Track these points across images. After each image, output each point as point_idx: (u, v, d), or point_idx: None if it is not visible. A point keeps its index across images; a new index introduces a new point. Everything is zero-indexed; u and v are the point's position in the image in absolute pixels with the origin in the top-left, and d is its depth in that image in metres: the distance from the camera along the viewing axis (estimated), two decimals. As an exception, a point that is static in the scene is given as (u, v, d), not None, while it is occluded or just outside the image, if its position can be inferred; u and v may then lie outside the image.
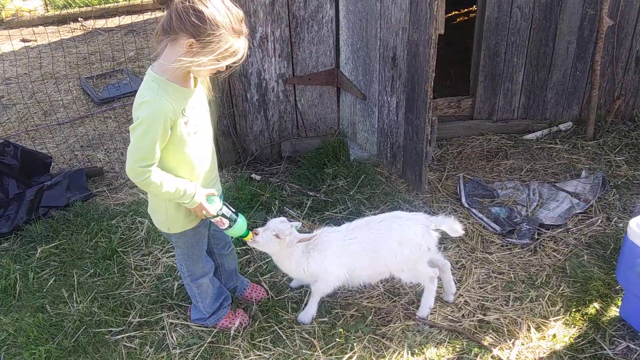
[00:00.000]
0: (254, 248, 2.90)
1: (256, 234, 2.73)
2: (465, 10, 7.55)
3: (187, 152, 2.38)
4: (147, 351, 2.87)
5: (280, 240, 2.76)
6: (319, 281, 2.94)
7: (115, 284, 3.29)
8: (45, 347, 2.88)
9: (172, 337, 2.95)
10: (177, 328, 2.99)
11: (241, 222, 2.64)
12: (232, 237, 2.87)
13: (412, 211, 3.13)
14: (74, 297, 3.21)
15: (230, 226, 2.59)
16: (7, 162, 4.06)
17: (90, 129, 5.14)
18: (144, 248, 3.58)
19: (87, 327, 2.99)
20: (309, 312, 3.02)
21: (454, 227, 2.89)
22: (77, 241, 3.62)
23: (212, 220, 2.58)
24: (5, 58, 7.19)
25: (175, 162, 2.37)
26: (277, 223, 2.79)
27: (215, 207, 2.53)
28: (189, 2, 2.09)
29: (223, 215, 2.56)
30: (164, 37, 2.18)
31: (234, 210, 2.63)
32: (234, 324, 2.96)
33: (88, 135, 5.05)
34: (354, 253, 2.89)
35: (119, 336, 2.96)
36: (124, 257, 3.50)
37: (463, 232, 2.96)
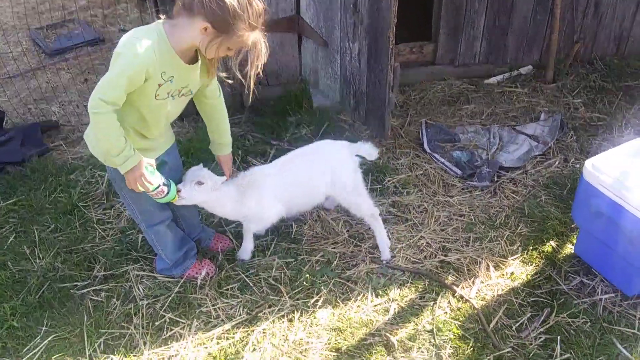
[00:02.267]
0: (184, 206, 2.84)
1: (179, 191, 2.65)
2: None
3: (145, 109, 2.37)
4: (114, 303, 2.87)
5: (203, 186, 2.71)
6: (254, 219, 2.98)
7: (77, 239, 3.24)
8: (10, 303, 2.86)
9: (138, 288, 2.95)
10: (144, 280, 2.99)
11: (172, 186, 2.59)
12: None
13: (336, 140, 3.22)
14: (36, 253, 3.16)
15: (167, 192, 2.55)
16: (-44, 118, 3.90)
17: (43, 82, 4.95)
18: (105, 202, 3.52)
19: (52, 283, 2.96)
20: (247, 248, 3.09)
21: (370, 152, 3.10)
22: (36, 197, 3.54)
23: (151, 192, 2.48)
24: (-52, 8, 6.80)
25: (129, 109, 2.33)
26: (195, 171, 2.74)
27: (157, 178, 2.46)
28: None
29: (164, 184, 2.51)
30: (182, 10, 2.22)
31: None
32: (201, 273, 2.98)
33: (41, 88, 4.86)
34: (290, 184, 2.96)
35: (85, 290, 2.95)
36: (85, 211, 3.44)
37: (378, 155, 3.16)
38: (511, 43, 4.69)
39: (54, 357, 2.63)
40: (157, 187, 2.47)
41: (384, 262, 3.10)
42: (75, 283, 2.98)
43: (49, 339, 2.70)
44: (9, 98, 4.71)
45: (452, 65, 4.72)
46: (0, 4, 6.74)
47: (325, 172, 2.99)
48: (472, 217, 3.43)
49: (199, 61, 2.42)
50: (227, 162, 2.90)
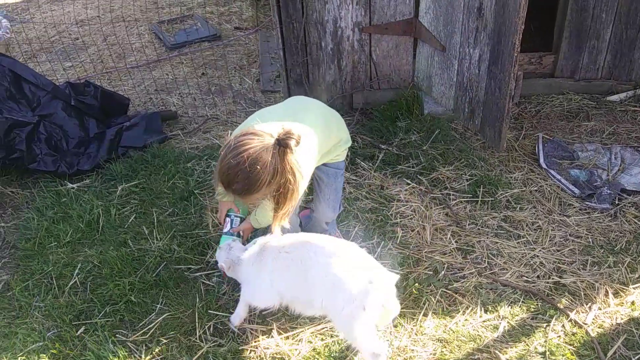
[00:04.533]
0: None
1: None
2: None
3: None
4: (224, 289, 2.96)
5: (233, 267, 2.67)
6: (247, 292, 2.70)
7: (192, 224, 3.38)
8: (129, 279, 3.01)
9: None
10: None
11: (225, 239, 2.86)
12: None
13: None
14: (154, 234, 3.32)
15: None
16: (87, 102, 4.17)
17: (164, 73, 5.22)
18: (219, 191, 3.65)
19: (168, 264, 3.10)
20: (239, 314, 2.75)
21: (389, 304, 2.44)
22: (155, 181, 3.72)
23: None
24: (78, 0, 7.32)
25: None
26: (221, 258, 2.71)
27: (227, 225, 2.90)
28: None
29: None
30: None
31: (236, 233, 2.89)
32: None
33: (162, 79, 5.12)
34: (282, 269, 2.50)
35: (198, 273, 3.07)
36: (201, 198, 3.58)
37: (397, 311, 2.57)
38: (638, 58, 4.42)
39: (167, 334, 2.74)
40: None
41: None
42: (189, 266, 3.11)
43: (164, 316, 2.82)
44: (133, 86, 5.00)
45: (573, 79, 4.51)
46: (125, -2, 7.16)
47: (326, 286, 2.39)
48: (590, 240, 3.26)
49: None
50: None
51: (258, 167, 2.12)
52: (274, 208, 2.37)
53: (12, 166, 3.85)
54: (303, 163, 2.31)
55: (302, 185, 2.32)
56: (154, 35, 6.14)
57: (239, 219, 2.90)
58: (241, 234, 2.88)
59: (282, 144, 2.16)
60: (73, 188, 3.74)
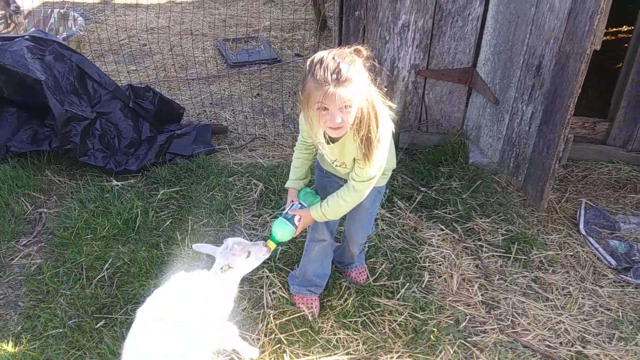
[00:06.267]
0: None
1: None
2: (614, 29, 7.09)
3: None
4: (245, 306, 2.99)
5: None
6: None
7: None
8: (155, 281, 3.09)
9: (268, 297, 3.05)
10: (276, 291, 3.10)
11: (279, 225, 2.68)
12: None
13: None
14: (186, 241, 3.40)
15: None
16: (145, 105, 4.35)
17: (221, 89, 5.38)
18: (255, 209, 3.72)
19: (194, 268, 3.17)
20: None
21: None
22: (196, 190, 3.83)
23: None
24: (151, 9, 7.66)
25: None
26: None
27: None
28: None
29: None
30: None
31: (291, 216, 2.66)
32: (304, 309, 3.00)
33: (218, 94, 5.29)
34: None
35: (221, 286, 3.11)
36: (236, 213, 3.65)
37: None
38: (697, 138, 4.31)
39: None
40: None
41: None
42: (214, 278, 3.16)
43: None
44: (190, 97, 5.17)
45: (625, 149, 4.42)
46: (196, 12, 7.46)
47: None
48: (620, 314, 3.15)
49: (341, 141, 2.38)
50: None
51: (356, 63, 2.14)
52: (360, 151, 2.32)
53: (64, 156, 4.04)
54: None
55: (384, 135, 2.30)
56: (217, 51, 6.36)
57: (300, 205, 2.71)
58: (296, 223, 2.64)
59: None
60: (117, 185, 3.87)
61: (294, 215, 2.63)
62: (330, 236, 2.89)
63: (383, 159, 2.40)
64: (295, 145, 2.76)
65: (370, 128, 2.24)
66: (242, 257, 2.53)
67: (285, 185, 2.81)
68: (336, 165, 2.55)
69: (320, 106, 2.15)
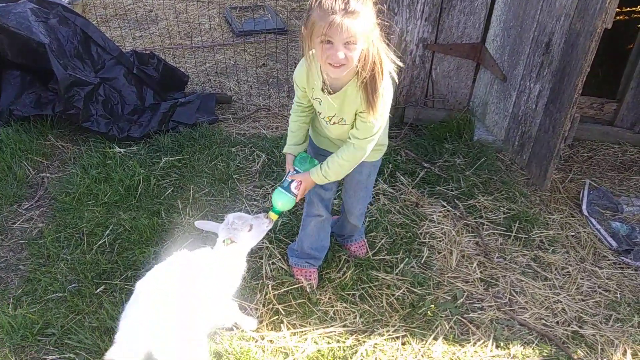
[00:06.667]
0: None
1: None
2: (628, 9, 6.95)
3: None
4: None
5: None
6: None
7: (225, 207, 3.45)
8: (155, 248, 3.10)
9: (268, 268, 3.06)
10: (275, 262, 3.11)
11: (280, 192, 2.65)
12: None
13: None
14: (187, 210, 3.41)
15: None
16: (149, 72, 4.31)
17: (226, 58, 5.33)
18: (256, 180, 3.71)
19: (194, 240, 3.17)
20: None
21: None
22: (199, 159, 3.82)
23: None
24: (159, -25, 7.54)
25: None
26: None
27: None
28: None
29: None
30: None
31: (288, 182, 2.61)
32: (302, 281, 3.01)
33: (223, 63, 5.24)
34: None
35: (221, 256, 3.12)
36: (238, 184, 3.65)
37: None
38: None
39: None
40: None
41: None
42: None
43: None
44: (195, 65, 5.13)
45: (632, 131, 4.38)
46: (204, -20, 7.34)
47: None
48: (618, 296, 3.16)
49: (343, 90, 2.28)
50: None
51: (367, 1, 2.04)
52: (364, 100, 2.24)
53: (67, 121, 4.02)
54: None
55: (386, 87, 2.23)
56: (224, 19, 6.28)
57: (296, 172, 2.64)
58: (293, 191, 2.59)
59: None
60: (120, 152, 3.87)
61: (291, 183, 2.58)
62: (326, 211, 2.87)
63: (386, 113, 2.32)
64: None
65: (375, 72, 2.14)
66: (245, 230, 2.52)
67: (282, 151, 2.76)
68: (333, 123, 2.43)
69: (324, 39, 2.03)
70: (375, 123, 2.29)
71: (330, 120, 2.43)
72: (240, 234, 2.51)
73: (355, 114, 2.34)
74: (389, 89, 2.27)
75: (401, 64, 2.22)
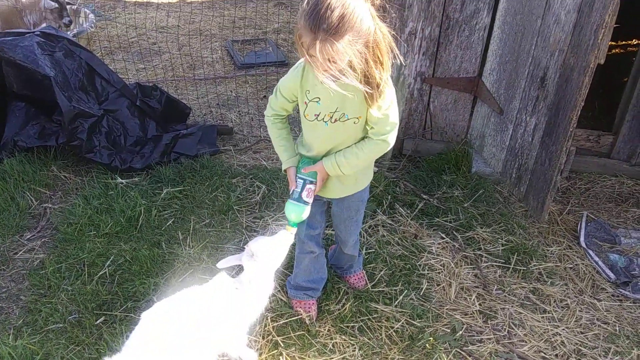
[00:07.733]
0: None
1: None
2: (623, 42, 7.08)
3: (304, 126, 2.48)
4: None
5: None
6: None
7: (225, 238, 3.47)
8: (155, 279, 3.12)
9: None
10: (275, 294, 3.12)
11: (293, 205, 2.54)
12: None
13: None
14: (188, 241, 3.43)
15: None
16: (152, 104, 4.38)
17: (228, 90, 5.41)
18: (257, 211, 3.74)
19: (194, 272, 3.19)
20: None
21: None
22: (199, 191, 3.86)
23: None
24: (162, 8, 7.71)
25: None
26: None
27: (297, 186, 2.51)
28: None
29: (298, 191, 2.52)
30: None
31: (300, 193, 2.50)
32: (301, 313, 3.00)
33: (225, 95, 5.32)
34: None
35: (221, 287, 3.14)
36: (238, 215, 3.68)
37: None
38: (702, 154, 4.31)
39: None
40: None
41: None
42: (214, 278, 3.18)
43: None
44: (197, 97, 5.21)
45: (629, 163, 4.42)
46: (207, 13, 7.50)
47: None
48: (617, 328, 3.16)
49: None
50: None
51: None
52: (366, 94, 2.16)
53: (70, 152, 4.08)
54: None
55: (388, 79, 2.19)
56: (226, 52, 6.40)
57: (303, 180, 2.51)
58: (304, 199, 2.50)
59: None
60: (122, 183, 3.91)
61: (302, 192, 2.47)
62: (317, 247, 2.87)
63: (393, 98, 2.26)
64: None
65: (380, 53, 2.07)
66: (267, 252, 2.47)
67: (283, 169, 2.57)
68: (334, 120, 2.30)
69: (308, 53, 1.96)
70: (383, 104, 2.23)
71: (331, 117, 2.30)
72: (264, 258, 2.46)
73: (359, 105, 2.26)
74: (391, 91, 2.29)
75: (404, 62, 2.20)
